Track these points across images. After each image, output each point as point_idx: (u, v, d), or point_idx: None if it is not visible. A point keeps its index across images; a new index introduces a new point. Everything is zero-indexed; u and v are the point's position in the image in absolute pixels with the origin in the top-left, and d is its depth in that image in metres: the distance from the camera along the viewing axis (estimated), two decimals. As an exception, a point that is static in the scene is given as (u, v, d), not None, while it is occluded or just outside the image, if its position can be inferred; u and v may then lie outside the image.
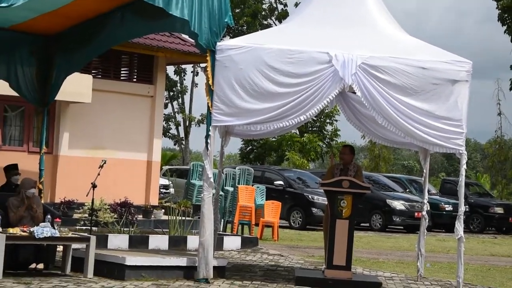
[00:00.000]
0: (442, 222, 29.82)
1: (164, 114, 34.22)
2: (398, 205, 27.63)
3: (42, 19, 12.21)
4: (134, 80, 20.75)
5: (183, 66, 49.39)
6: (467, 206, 28.30)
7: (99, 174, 12.45)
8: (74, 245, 11.20)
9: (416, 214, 26.67)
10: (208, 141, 11.13)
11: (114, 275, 10.90)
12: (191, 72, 50.46)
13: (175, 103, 51.25)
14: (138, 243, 14.23)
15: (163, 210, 17.69)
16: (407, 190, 30.25)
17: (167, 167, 35.88)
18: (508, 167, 42.47)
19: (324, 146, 44.42)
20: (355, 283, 11.39)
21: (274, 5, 47.13)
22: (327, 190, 11.65)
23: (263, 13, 46.96)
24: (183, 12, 10.95)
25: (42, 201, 12.30)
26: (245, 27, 45.53)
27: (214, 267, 11.15)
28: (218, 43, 11.18)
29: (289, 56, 11.19)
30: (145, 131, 20.55)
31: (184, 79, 51.44)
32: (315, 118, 42.40)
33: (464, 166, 11.26)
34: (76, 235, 11.34)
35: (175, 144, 53.68)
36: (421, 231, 13.11)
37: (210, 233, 11.13)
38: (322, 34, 11.54)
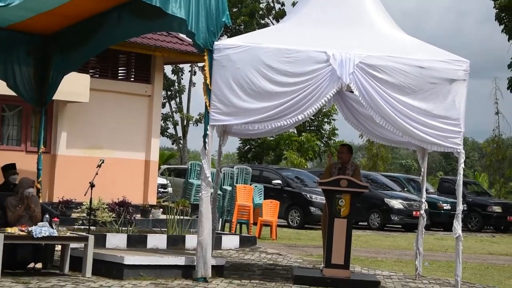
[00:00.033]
0: (440, 221, 29.85)
1: (162, 113, 34.16)
2: (396, 204, 27.65)
3: (39, 19, 12.20)
4: (132, 79, 20.75)
5: (181, 66, 49.39)
6: (465, 205, 28.28)
7: (97, 174, 12.45)
8: (73, 245, 11.21)
9: (414, 213, 26.70)
10: (206, 140, 11.13)
11: (112, 274, 10.90)
12: (189, 71, 50.48)
13: (172, 102, 51.23)
14: (137, 243, 14.23)
15: (161, 210, 17.68)
16: (405, 189, 30.25)
17: (165, 166, 35.87)
18: (506, 166, 42.50)
19: (322, 145, 44.41)
20: (353, 282, 11.39)
21: (272, 5, 47.12)
22: (325, 189, 11.66)
23: (261, 12, 46.95)
24: (180, 12, 10.95)
25: (40, 201, 12.30)
26: (242, 27, 45.51)
27: (212, 266, 11.16)
28: (215, 43, 11.18)
29: (287, 55, 11.19)
30: (143, 130, 20.55)
31: (182, 79, 51.44)
32: (313, 117, 42.41)
33: (462, 165, 11.27)
34: (74, 235, 11.34)
35: (173, 144, 53.67)
36: (419, 230, 13.12)
37: (208, 232, 11.13)
38: (320, 33, 11.54)
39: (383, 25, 11.96)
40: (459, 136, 11.27)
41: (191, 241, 14.29)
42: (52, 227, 10.80)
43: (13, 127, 18.73)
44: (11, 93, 13.68)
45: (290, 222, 25.61)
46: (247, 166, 22.43)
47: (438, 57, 11.40)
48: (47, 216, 11.02)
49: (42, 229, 10.60)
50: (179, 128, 50.90)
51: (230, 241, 16.15)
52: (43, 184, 14.32)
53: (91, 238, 11.01)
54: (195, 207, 15.01)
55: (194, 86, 50.77)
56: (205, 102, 11.19)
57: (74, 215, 16.16)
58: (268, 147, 43.70)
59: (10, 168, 13.74)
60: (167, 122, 50.81)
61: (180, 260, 11.26)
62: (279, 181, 26.19)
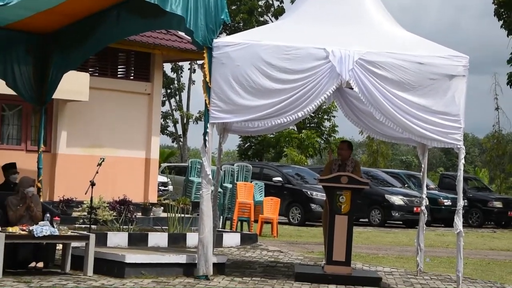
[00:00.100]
0: (441, 216, 29.85)
1: (161, 111, 34.17)
2: (397, 200, 27.65)
3: (38, 18, 12.20)
4: (131, 77, 20.75)
5: (180, 64, 49.37)
6: (465, 201, 28.26)
7: (97, 172, 12.45)
8: (74, 244, 11.20)
9: (415, 209, 26.67)
10: (206, 138, 11.13)
11: (114, 273, 10.90)
12: (188, 69, 50.49)
13: (172, 100, 51.23)
14: (138, 241, 14.23)
15: (162, 208, 17.68)
16: (406, 185, 30.26)
17: (166, 164, 35.87)
18: (506, 161, 42.50)
19: (322, 142, 44.42)
20: (355, 279, 11.39)
21: (270, 2, 47.10)
22: (326, 186, 11.66)
23: (259, 9, 46.93)
24: (178, 9, 10.94)
25: (41, 200, 12.30)
26: (241, 24, 45.50)
27: (213, 264, 11.16)
28: (214, 40, 11.17)
29: (286, 52, 11.19)
30: (143, 128, 20.55)
31: (181, 77, 51.45)
32: (312, 114, 42.40)
33: (463, 161, 11.26)
34: (75, 234, 11.35)
35: (173, 142, 53.67)
36: (420, 226, 13.12)
37: (209, 230, 11.13)
38: (319, 30, 11.54)
39: (382, 22, 11.95)
40: (459, 132, 11.26)
41: (192, 239, 14.29)
42: (53, 226, 10.80)
43: (13, 126, 18.73)
44: (11, 92, 13.68)
45: (291, 219, 25.61)
46: (247, 164, 22.43)
47: (437, 53, 11.39)
48: (48, 215, 11.02)
49: (43, 228, 10.60)
50: (179, 126, 50.95)
51: (231, 239, 16.15)
52: (44, 183, 14.33)
53: (92, 237, 11.01)
54: (196, 205, 15.00)
55: (194, 84, 50.82)
56: (205, 100, 11.19)
57: (75, 214, 16.15)
58: (268, 144, 43.70)
59: (10, 168, 13.77)
60: (167, 120, 50.81)
61: (181, 258, 11.27)
62: (279, 178, 26.19)
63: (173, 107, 51.09)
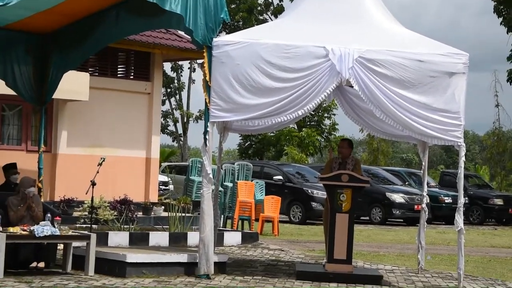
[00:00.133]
0: (441, 214, 29.85)
1: (162, 111, 34.21)
2: (398, 198, 27.65)
3: (38, 18, 12.20)
4: (131, 77, 20.74)
5: (180, 63, 49.40)
6: (466, 198, 28.28)
7: (98, 172, 12.45)
8: (75, 243, 11.20)
9: (415, 206, 26.68)
10: (207, 137, 11.13)
11: (115, 272, 10.90)
12: (188, 68, 50.52)
13: (172, 99, 51.26)
14: (139, 240, 14.23)
15: (163, 207, 17.69)
16: (406, 183, 30.26)
17: (166, 163, 35.87)
18: (507, 158, 42.48)
19: (323, 140, 44.41)
20: (356, 277, 11.40)
21: (270, 0, 47.07)
22: (326, 184, 11.66)
23: (259, 8, 46.91)
24: (178, 8, 10.94)
25: (42, 200, 12.30)
26: (241, 23, 45.49)
27: (215, 262, 11.16)
28: (214, 39, 11.17)
29: (286, 51, 11.19)
30: (143, 128, 20.55)
31: (181, 76, 51.47)
32: (313, 113, 42.41)
33: (463, 158, 11.26)
34: (76, 233, 11.35)
35: (173, 141, 53.71)
36: (421, 223, 13.12)
37: (210, 229, 11.13)
38: (318, 28, 11.53)
39: (382, 19, 11.94)
40: (460, 129, 11.26)
41: (193, 238, 14.29)
42: (54, 226, 10.81)
43: (14, 126, 18.73)
44: (11, 92, 13.69)
45: (292, 218, 25.62)
46: (248, 162, 22.44)
47: (437, 50, 11.39)
48: (48, 215, 11.02)
49: (44, 228, 10.61)
50: (179, 125, 50.98)
51: (232, 238, 16.16)
52: (44, 183, 14.34)
53: (93, 237, 11.01)
54: (197, 204, 14.99)
55: (194, 83, 50.85)
56: (205, 99, 11.19)
57: (75, 214, 16.16)
58: (269, 143, 43.70)
59: (11, 168, 13.77)
60: (167, 120, 50.84)
61: (182, 257, 11.27)
62: (280, 177, 26.20)
63: (173, 106, 51.12)
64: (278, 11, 44.77)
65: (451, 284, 11.69)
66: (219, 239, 14.94)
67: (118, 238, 14.09)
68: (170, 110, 50.97)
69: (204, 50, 11.17)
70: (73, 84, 17.20)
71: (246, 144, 45.90)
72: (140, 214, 16.87)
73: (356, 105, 12.93)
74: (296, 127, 42.89)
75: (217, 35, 11.33)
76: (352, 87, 11.54)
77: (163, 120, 48.90)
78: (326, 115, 44.52)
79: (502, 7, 35.74)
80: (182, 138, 51.07)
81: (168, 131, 51.23)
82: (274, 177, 26.09)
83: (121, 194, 16.39)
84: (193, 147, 69.66)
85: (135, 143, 20.33)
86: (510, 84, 35.75)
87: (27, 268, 11.05)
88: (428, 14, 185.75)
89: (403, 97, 11.15)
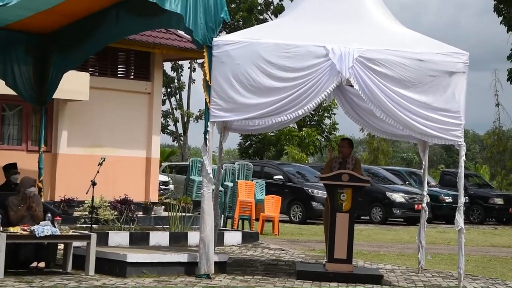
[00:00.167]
0: (442, 213, 29.85)
1: (162, 110, 34.17)
2: (398, 197, 27.66)
3: (38, 18, 12.20)
4: (131, 77, 20.74)
5: (180, 62, 49.39)
6: (467, 198, 28.30)
7: (98, 172, 12.45)
8: (75, 243, 11.20)
9: (416, 206, 26.68)
10: (207, 137, 11.13)
11: (115, 272, 10.90)
12: (188, 68, 50.51)
13: (172, 99, 51.27)
14: (139, 240, 14.23)
15: (163, 207, 17.69)
16: (407, 182, 30.26)
17: (166, 163, 35.88)
18: (507, 157, 42.49)
19: (323, 140, 44.42)
20: (356, 276, 11.40)
21: (270, 0, 47.08)
22: (326, 184, 11.66)
23: (259, 7, 46.91)
24: (177, 8, 10.93)
25: (42, 200, 12.30)
26: (241, 22, 45.49)
27: (215, 262, 11.16)
28: (214, 39, 11.17)
29: (286, 50, 11.19)
30: (143, 128, 20.55)
31: (181, 75, 51.46)
32: (313, 112, 42.40)
33: (463, 158, 11.26)
34: (77, 233, 11.35)
35: (173, 141, 53.70)
36: (421, 223, 13.11)
37: (210, 228, 11.13)
38: (319, 28, 11.53)
39: (382, 19, 11.94)
40: (460, 128, 11.26)
41: (193, 238, 14.29)
42: (54, 226, 10.81)
43: (14, 126, 18.73)
44: (11, 92, 13.69)
45: (292, 218, 25.62)
46: (248, 162, 22.44)
47: (437, 49, 11.38)
48: (49, 215, 11.02)
49: (44, 228, 10.61)
50: (179, 125, 50.98)
51: (233, 237, 16.16)
52: (45, 183, 14.34)
53: (94, 237, 11.01)
54: (197, 204, 14.98)
55: (194, 82, 50.86)
56: (205, 99, 11.19)
57: (76, 214, 16.16)
58: (269, 142, 43.70)
59: (11, 168, 13.77)
60: (168, 119, 50.84)
61: (182, 257, 11.27)
62: (280, 177, 26.20)
63: (174, 106, 51.12)
64: (278, 10, 44.75)
65: (452, 283, 11.69)
66: (219, 239, 14.94)
67: (119, 238, 14.09)
68: (170, 110, 50.98)
69: (204, 50, 11.17)
70: (73, 84, 17.20)
71: (247, 143, 45.91)
72: (140, 214, 16.87)
73: (356, 105, 12.94)
74: (296, 127, 42.90)
75: (217, 35, 11.32)
76: (352, 86, 11.54)
77: (163, 120, 48.91)
78: (326, 114, 44.53)
79: (502, 6, 35.73)
80: (182, 138, 51.07)
81: (168, 131, 51.24)
82: (274, 177, 26.08)
83: (121, 194, 16.39)
84: (193, 147, 69.68)
85: (135, 143, 20.33)
86: (510, 83, 35.75)
87: (28, 268, 11.06)
88: (428, 13, 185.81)
89: (403, 97, 11.15)
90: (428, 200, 13.62)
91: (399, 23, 12.13)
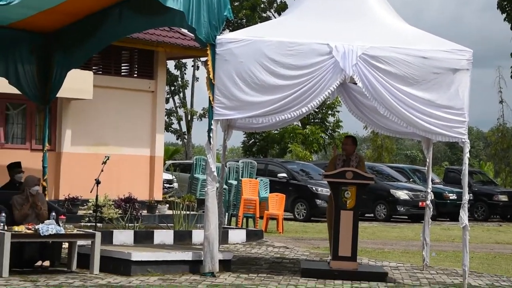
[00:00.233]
0: (446, 211, 29.82)
1: (165, 109, 34.20)
2: (402, 195, 27.63)
3: (41, 17, 12.22)
4: (135, 75, 20.76)
5: (184, 61, 49.37)
6: (471, 195, 28.31)
7: (102, 170, 12.45)
8: (80, 242, 11.21)
9: (420, 203, 26.66)
10: (211, 135, 11.13)
11: (120, 271, 10.91)
12: (192, 66, 50.51)
13: (176, 97, 51.25)
14: (143, 239, 14.25)
15: (167, 205, 17.70)
16: (411, 179, 30.24)
17: (170, 161, 35.88)
18: (511, 154, 42.43)
19: (327, 137, 44.41)
20: (361, 274, 11.39)
21: (273, -2, 47.07)
22: (331, 182, 11.66)
23: (262, 5, 46.91)
24: (180, 6, 10.93)
25: (46, 199, 12.31)
26: (244, 20, 45.49)
27: (219, 260, 11.16)
28: (218, 37, 11.16)
29: (289, 48, 11.18)
30: (147, 126, 20.56)
31: (185, 74, 51.45)
32: (317, 110, 42.38)
33: (467, 155, 11.24)
34: (81, 232, 11.36)
35: (177, 139, 53.70)
36: (425, 220, 13.11)
37: (215, 227, 11.13)
38: (322, 26, 11.52)
39: (385, 16, 11.93)
40: (464, 125, 11.24)
41: (197, 236, 14.30)
42: (59, 225, 10.81)
43: (18, 125, 18.76)
44: (15, 91, 13.70)
45: (296, 215, 25.61)
46: (252, 160, 22.43)
47: (440, 47, 11.37)
48: (53, 213, 11.03)
49: (49, 227, 10.61)
50: (183, 123, 50.94)
51: (237, 235, 16.16)
52: (49, 182, 14.34)
53: (98, 235, 11.01)
54: (201, 202, 15.00)
55: (197, 81, 50.86)
56: (209, 97, 11.19)
57: (80, 212, 16.18)
58: (273, 140, 43.70)
59: (15, 167, 13.77)
60: (171, 118, 50.83)
61: (187, 255, 11.27)
62: (284, 175, 26.19)
63: (177, 104, 51.12)
64: (282, 8, 44.73)
65: (456, 280, 11.68)
66: (223, 237, 14.95)
67: (123, 237, 14.11)
68: (174, 108, 50.98)
69: (208, 48, 11.17)
70: (77, 83, 17.22)
71: (250, 141, 45.92)
72: (144, 212, 16.89)
73: (360, 102, 12.93)
74: (300, 125, 42.90)
75: (221, 33, 11.32)
76: (356, 84, 11.53)
77: (167, 118, 48.90)
78: (330, 112, 44.52)
79: (505, 3, 35.67)
80: (186, 136, 51.08)
81: (172, 129, 51.24)
82: (278, 175, 26.07)
83: (125, 193, 16.41)
84: (197, 145, 69.66)
85: (139, 141, 20.35)
86: (514, 80, 35.69)
87: (32, 267, 11.07)
88: (431, 10, 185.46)
89: (407, 94, 11.13)
90: (432, 197, 13.62)
91: (403, 20, 12.12)
